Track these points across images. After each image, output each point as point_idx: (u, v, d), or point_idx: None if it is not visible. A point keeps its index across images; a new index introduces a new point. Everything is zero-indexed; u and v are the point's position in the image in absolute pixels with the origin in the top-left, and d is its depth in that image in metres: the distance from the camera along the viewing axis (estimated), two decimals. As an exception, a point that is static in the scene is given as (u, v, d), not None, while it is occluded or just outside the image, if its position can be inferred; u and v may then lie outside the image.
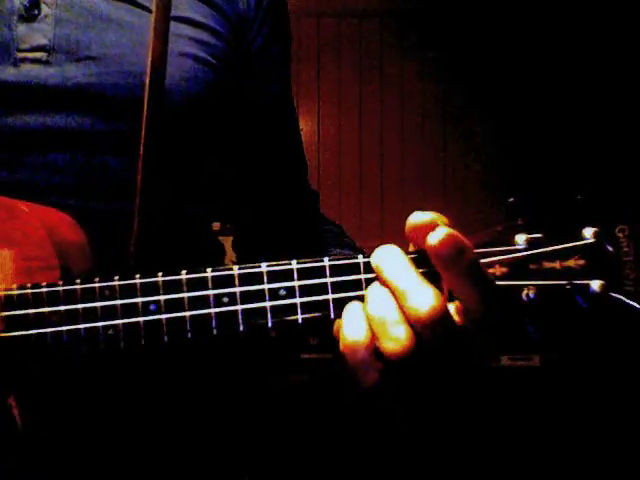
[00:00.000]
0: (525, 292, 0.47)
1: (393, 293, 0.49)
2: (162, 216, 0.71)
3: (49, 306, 0.56)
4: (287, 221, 0.91)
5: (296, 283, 0.50)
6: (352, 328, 0.49)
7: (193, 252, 0.80)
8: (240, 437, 0.86)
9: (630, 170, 2.57)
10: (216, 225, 0.93)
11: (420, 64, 3.25)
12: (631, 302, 0.45)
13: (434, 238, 0.47)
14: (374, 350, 0.49)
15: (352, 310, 0.50)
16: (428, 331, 0.47)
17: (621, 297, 0.45)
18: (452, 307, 0.49)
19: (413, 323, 0.47)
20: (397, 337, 0.47)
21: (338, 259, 0.51)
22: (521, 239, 0.47)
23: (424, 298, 0.47)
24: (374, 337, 0.49)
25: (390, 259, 0.50)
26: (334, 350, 0.60)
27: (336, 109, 3.31)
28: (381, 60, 3.30)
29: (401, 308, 0.48)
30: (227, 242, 1.01)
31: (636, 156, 2.68)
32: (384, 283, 0.50)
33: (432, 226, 0.48)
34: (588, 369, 2.29)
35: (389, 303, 0.49)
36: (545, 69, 3.10)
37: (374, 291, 0.50)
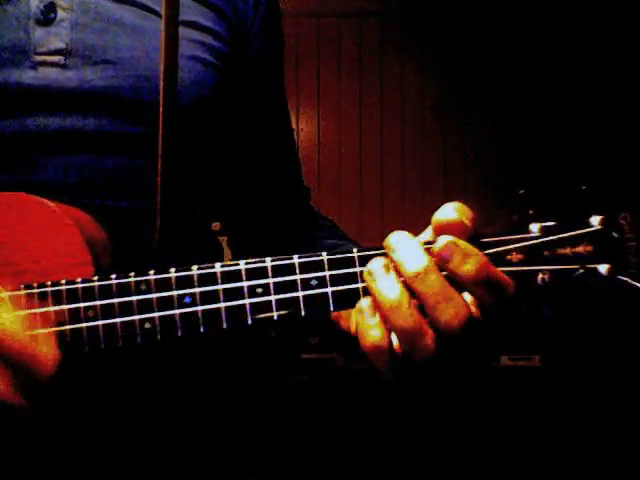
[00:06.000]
0: (540, 277, 0.50)
1: (420, 299, 0.51)
2: (180, 215, 0.73)
3: (85, 301, 0.57)
4: (282, 217, 0.93)
5: (327, 273, 0.52)
6: (372, 331, 0.52)
7: (197, 250, 0.82)
8: (244, 437, 0.88)
9: (629, 160, 2.59)
10: (216, 225, 0.94)
11: (420, 64, 3.27)
12: (636, 283, 0.49)
13: (437, 246, 0.51)
14: (396, 349, 0.52)
15: (369, 312, 0.53)
16: (454, 337, 0.50)
17: (626, 279, 0.49)
18: (468, 298, 0.52)
19: (441, 331, 0.50)
20: (424, 346, 0.51)
21: (364, 250, 0.54)
22: (535, 227, 0.51)
23: (452, 310, 0.50)
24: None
25: (417, 262, 0.52)
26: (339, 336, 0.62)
27: (336, 109, 3.33)
28: (381, 60, 3.31)
29: (428, 314, 0.51)
30: (224, 241, 1.03)
31: (635, 147, 2.71)
32: (407, 285, 0.52)
33: (454, 224, 0.52)
34: (588, 369, 2.30)
35: (414, 316, 0.51)
36: (545, 68, 3.12)
37: (401, 309, 0.51)
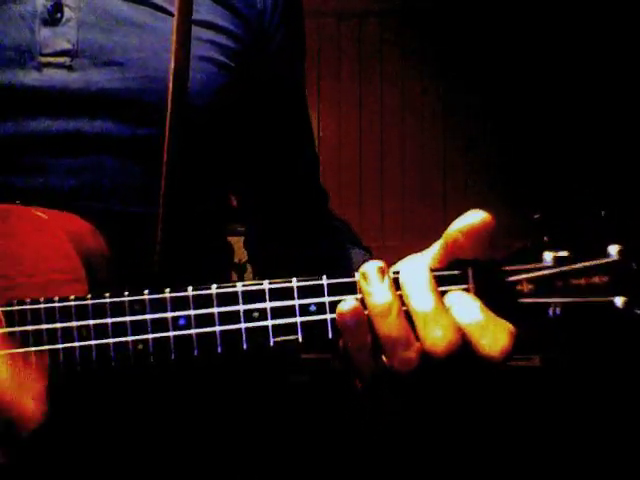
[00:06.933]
0: (552, 309, 0.48)
1: (410, 312, 0.50)
2: (184, 221, 0.71)
3: (78, 320, 0.55)
4: (300, 219, 0.91)
5: (327, 299, 0.50)
6: (358, 334, 0.50)
7: (205, 252, 0.81)
8: (243, 437, 0.87)
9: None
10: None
11: (420, 64, 3.26)
12: None
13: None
14: (379, 355, 0.51)
15: (356, 315, 0.50)
16: (439, 359, 0.49)
17: None
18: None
19: (426, 351, 0.49)
20: (407, 359, 0.49)
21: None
22: (548, 257, 0.49)
23: (440, 333, 0.48)
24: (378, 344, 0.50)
25: (416, 280, 0.50)
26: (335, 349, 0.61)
27: (336, 109, 3.32)
28: (381, 60, 3.30)
29: (415, 330, 0.49)
30: (237, 243, 1.02)
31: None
32: (403, 301, 0.50)
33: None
34: (588, 369, 2.29)
35: (401, 325, 0.50)
36: (547, 68, 3.10)
37: (389, 316, 0.50)
